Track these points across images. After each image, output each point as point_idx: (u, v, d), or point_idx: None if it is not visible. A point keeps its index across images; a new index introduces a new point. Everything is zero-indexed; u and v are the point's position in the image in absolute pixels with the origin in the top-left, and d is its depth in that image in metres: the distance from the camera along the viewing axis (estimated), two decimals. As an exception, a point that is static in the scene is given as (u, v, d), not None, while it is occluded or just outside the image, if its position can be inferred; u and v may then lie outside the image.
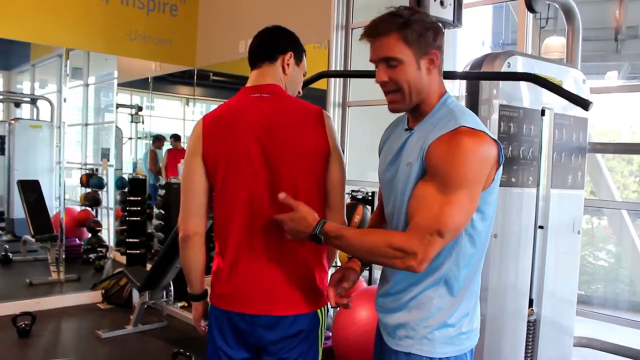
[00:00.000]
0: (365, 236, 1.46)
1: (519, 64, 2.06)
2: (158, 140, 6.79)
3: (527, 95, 2.10)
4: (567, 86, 2.21)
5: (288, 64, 1.75)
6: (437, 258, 1.40)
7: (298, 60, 1.79)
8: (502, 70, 1.98)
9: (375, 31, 1.43)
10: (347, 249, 1.49)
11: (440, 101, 1.47)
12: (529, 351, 2.20)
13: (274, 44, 1.76)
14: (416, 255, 1.33)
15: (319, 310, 1.71)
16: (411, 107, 1.47)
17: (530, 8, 2.24)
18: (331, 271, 1.78)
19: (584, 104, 1.80)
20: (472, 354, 1.53)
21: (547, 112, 2.18)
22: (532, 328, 2.21)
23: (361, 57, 4.11)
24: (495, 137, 1.41)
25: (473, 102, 2.03)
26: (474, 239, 1.44)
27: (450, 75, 2.23)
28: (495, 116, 2.00)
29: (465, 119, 1.38)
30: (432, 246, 1.33)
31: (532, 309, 2.20)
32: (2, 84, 7.38)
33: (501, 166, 1.43)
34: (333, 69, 4.04)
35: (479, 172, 1.36)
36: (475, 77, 2.01)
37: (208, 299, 1.82)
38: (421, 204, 1.37)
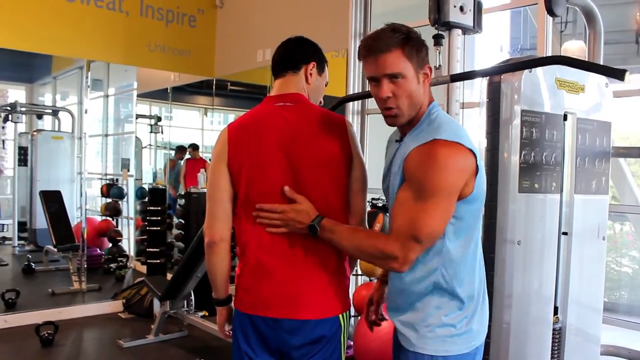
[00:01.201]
0: (355, 234, 1.58)
1: (540, 68, 2.04)
2: (179, 151, 6.80)
3: (548, 100, 2.08)
4: (589, 90, 2.19)
5: (311, 74, 1.78)
6: (427, 264, 1.50)
7: (321, 70, 1.82)
8: (524, 74, 1.96)
9: (376, 48, 1.47)
10: (338, 243, 1.58)
11: (426, 112, 1.53)
12: (555, 360, 2.17)
13: (297, 54, 1.79)
14: (397, 259, 1.43)
15: (340, 316, 1.72)
16: (408, 120, 1.54)
17: (551, 12, 2.22)
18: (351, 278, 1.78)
19: (619, 74, 1.75)
20: (478, 354, 1.58)
21: (569, 116, 2.15)
22: (558, 336, 2.17)
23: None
24: (472, 146, 1.44)
25: (494, 108, 2.01)
26: (456, 245, 1.50)
27: (472, 75, 2.22)
28: (517, 122, 1.98)
29: (441, 131, 1.44)
30: (411, 250, 1.43)
31: (557, 317, 2.17)
32: (24, 96, 7.51)
33: (480, 174, 1.46)
34: (351, 77, 4.05)
35: (454, 182, 1.42)
36: (500, 71, 1.99)
37: (232, 304, 1.84)
38: (399, 209, 1.47)
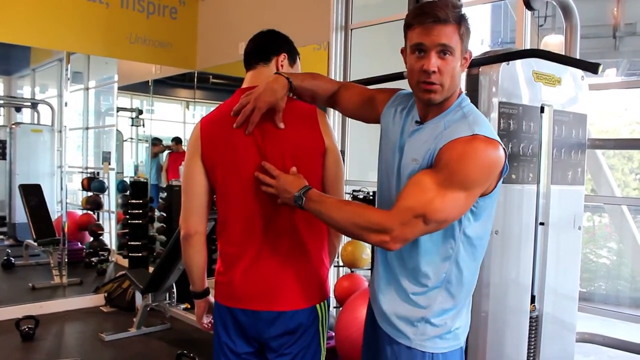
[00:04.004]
0: (346, 204, 1.51)
1: (518, 61, 2.07)
2: (155, 143, 6.73)
3: (526, 92, 2.11)
4: (565, 83, 2.22)
5: (282, 65, 1.79)
6: (436, 259, 1.47)
7: (292, 61, 1.82)
8: (502, 67, 1.99)
9: (435, 15, 1.38)
10: (326, 215, 1.49)
11: (456, 102, 1.48)
12: (532, 347, 2.21)
13: (268, 45, 1.80)
14: (392, 232, 1.36)
15: (317, 306, 1.74)
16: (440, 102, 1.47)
17: (528, 6, 2.25)
18: (332, 269, 1.79)
19: (593, 68, 1.79)
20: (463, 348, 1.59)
21: (546, 108, 2.18)
22: (535, 324, 2.21)
23: (360, 58, 4.12)
24: (504, 146, 1.43)
25: (472, 100, 2.02)
26: (471, 241, 1.48)
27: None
28: (494, 114, 2.00)
29: (479, 127, 1.41)
30: (412, 228, 1.37)
31: (534, 305, 2.21)
32: (2, 88, 7.41)
33: (504, 177, 1.45)
34: (333, 70, 4.05)
35: (485, 178, 1.39)
36: (478, 63, 2.01)
37: (210, 297, 1.87)
38: (415, 188, 1.39)
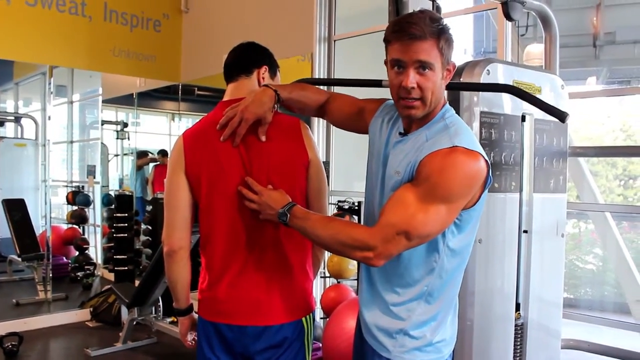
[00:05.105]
0: (330, 222, 1.50)
1: (499, 72, 2.10)
2: (140, 157, 6.69)
3: (507, 101, 2.13)
4: (545, 92, 2.25)
5: (264, 77, 1.80)
6: (419, 272, 1.46)
7: (273, 74, 1.84)
8: (482, 77, 2.01)
9: (412, 32, 1.37)
10: (311, 232, 1.49)
11: (440, 113, 1.47)
12: (518, 355, 2.22)
13: (249, 58, 1.81)
14: (375, 249, 1.37)
15: (303, 319, 1.74)
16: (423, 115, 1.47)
17: (508, 16, 2.29)
18: (318, 280, 1.79)
19: (561, 116, 1.83)
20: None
21: (527, 117, 2.21)
22: (520, 332, 2.22)
23: (344, 68, 4.14)
24: (487, 157, 1.42)
25: (454, 110, 2.06)
26: (455, 253, 1.47)
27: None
28: (476, 123, 2.02)
29: (460, 138, 1.39)
30: (395, 244, 1.36)
31: (519, 313, 2.22)
32: (-15, 103, 7.33)
33: (487, 188, 1.44)
34: (317, 80, 4.06)
35: (466, 190, 1.38)
36: (452, 88, 2.03)
37: (194, 314, 1.84)
38: (396, 204, 1.39)
